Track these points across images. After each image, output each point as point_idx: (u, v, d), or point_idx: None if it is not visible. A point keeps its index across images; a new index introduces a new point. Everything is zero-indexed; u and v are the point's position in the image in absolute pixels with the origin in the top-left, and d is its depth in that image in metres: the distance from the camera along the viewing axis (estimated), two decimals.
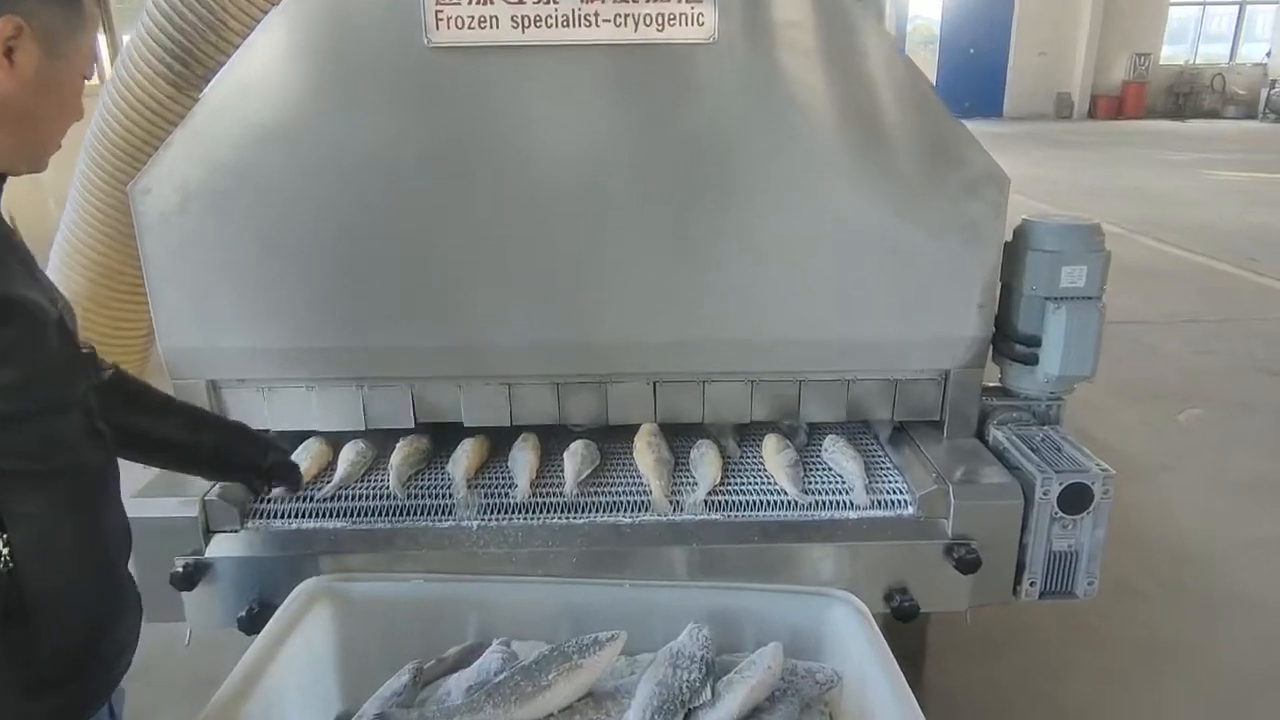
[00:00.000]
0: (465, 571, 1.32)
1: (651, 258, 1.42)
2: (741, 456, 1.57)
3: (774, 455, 1.52)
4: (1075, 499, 1.35)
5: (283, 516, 1.39)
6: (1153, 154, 10.91)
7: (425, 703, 1.13)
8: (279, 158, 1.35)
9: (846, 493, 1.44)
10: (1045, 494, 1.35)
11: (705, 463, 1.49)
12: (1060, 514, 1.35)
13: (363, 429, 1.53)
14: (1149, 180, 8.87)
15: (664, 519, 1.39)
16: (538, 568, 1.33)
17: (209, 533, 1.34)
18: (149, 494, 1.35)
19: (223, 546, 1.34)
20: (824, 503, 1.42)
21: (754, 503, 1.43)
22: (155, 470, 1.36)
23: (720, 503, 1.43)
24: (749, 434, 1.66)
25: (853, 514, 1.41)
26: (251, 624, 1.29)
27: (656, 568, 1.35)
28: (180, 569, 1.30)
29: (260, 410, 1.49)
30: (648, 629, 1.28)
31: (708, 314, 1.45)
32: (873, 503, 1.42)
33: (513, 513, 1.40)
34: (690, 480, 1.48)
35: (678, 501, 1.42)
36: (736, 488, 1.46)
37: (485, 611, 1.29)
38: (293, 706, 1.13)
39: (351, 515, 1.40)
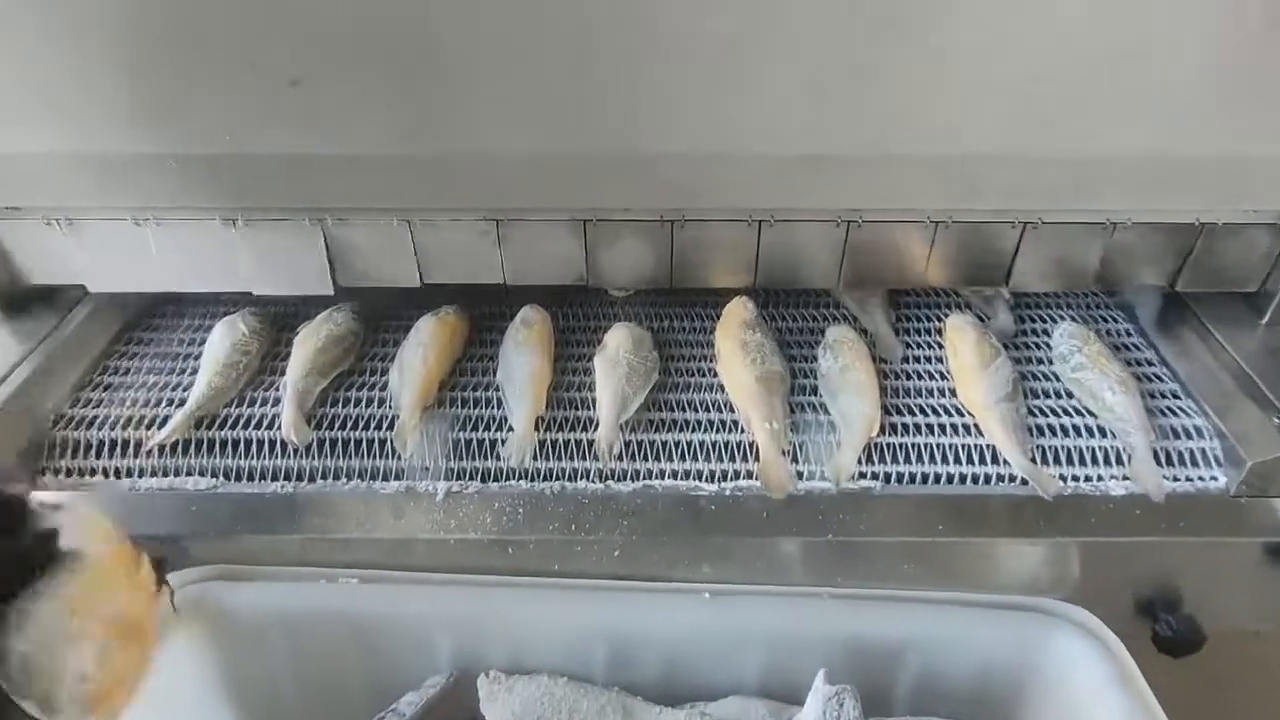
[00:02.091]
0: (428, 566, 0.82)
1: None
2: (905, 360, 0.96)
3: (976, 373, 0.89)
4: None
5: (106, 471, 0.84)
6: None
7: None
8: None
9: (1110, 457, 0.84)
10: None
11: (849, 388, 0.88)
12: None
13: (237, 297, 0.95)
14: None
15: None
16: (553, 562, 0.82)
17: None
18: None
19: None
20: (1073, 476, 0.83)
21: (930, 451, 0.84)
22: None
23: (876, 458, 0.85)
24: (910, 311, 1.04)
25: (1116, 488, 0.84)
26: None
27: (755, 572, 0.83)
28: None
29: (65, 258, 0.90)
30: (738, 666, 0.83)
31: (862, 108, 0.78)
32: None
33: (508, 474, 0.84)
34: (814, 409, 0.89)
35: (799, 466, 0.84)
36: (901, 421, 0.87)
37: (464, 631, 0.82)
38: None
39: (229, 467, 0.84)
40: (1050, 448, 0.84)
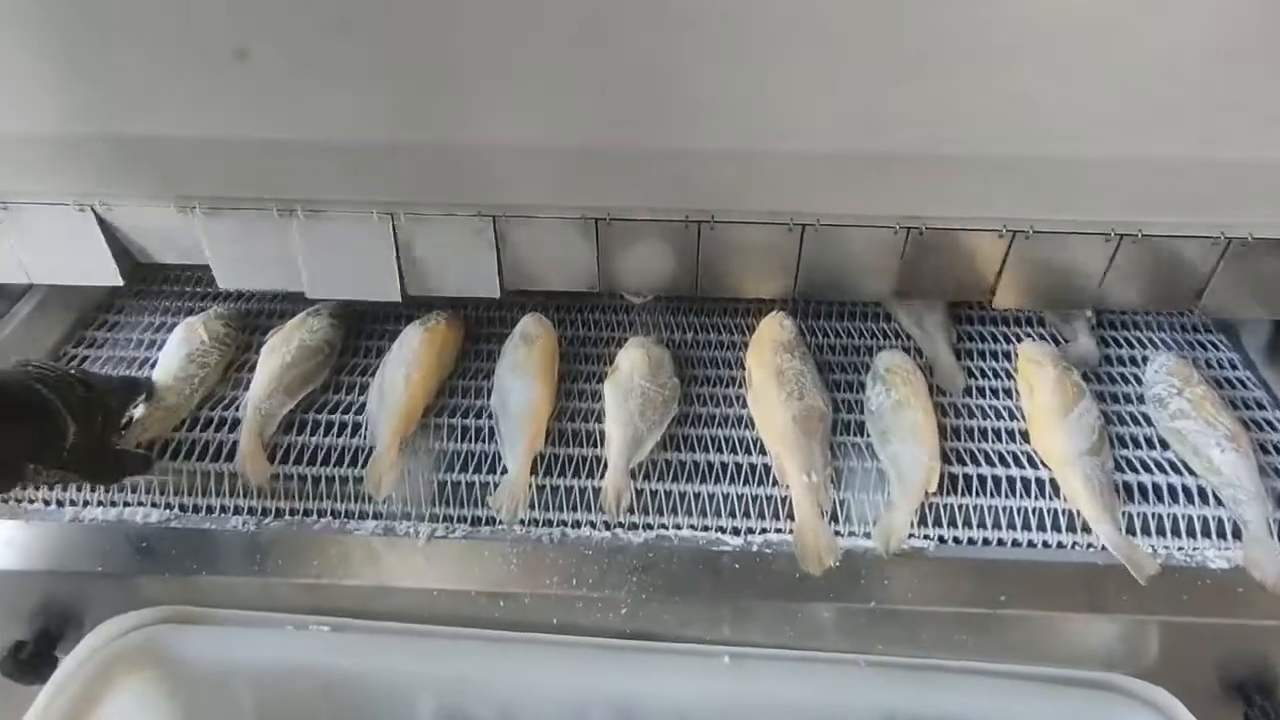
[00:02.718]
0: (409, 616, 0.73)
1: None
2: (968, 393, 0.83)
3: (1055, 418, 0.76)
4: None
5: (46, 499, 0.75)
6: None
7: None
8: None
9: (1211, 528, 0.71)
10: None
11: (902, 431, 0.76)
12: None
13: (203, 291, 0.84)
14: None
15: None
16: (550, 618, 0.73)
17: None
18: None
19: None
20: (1165, 550, 0.71)
21: (996, 514, 0.73)
22: None
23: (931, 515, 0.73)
24: (972, 329, 0.91)
25: (1216, 559, 0.72)
26: (19, 670, 0.74)
27: (784, 633, 0.73)
28: None
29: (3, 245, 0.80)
30: None
31: (927, 100, 0.64)
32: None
33: (499, 520, 0.73)
34: (859, 452, 0.77)
35: (840, 525, 0.73)
36: (964, 472, 0.75)
37: (448, 691, 0.74)
38: None
39: (183, 501, 0.75)
40: (1141, 515, 0.73)
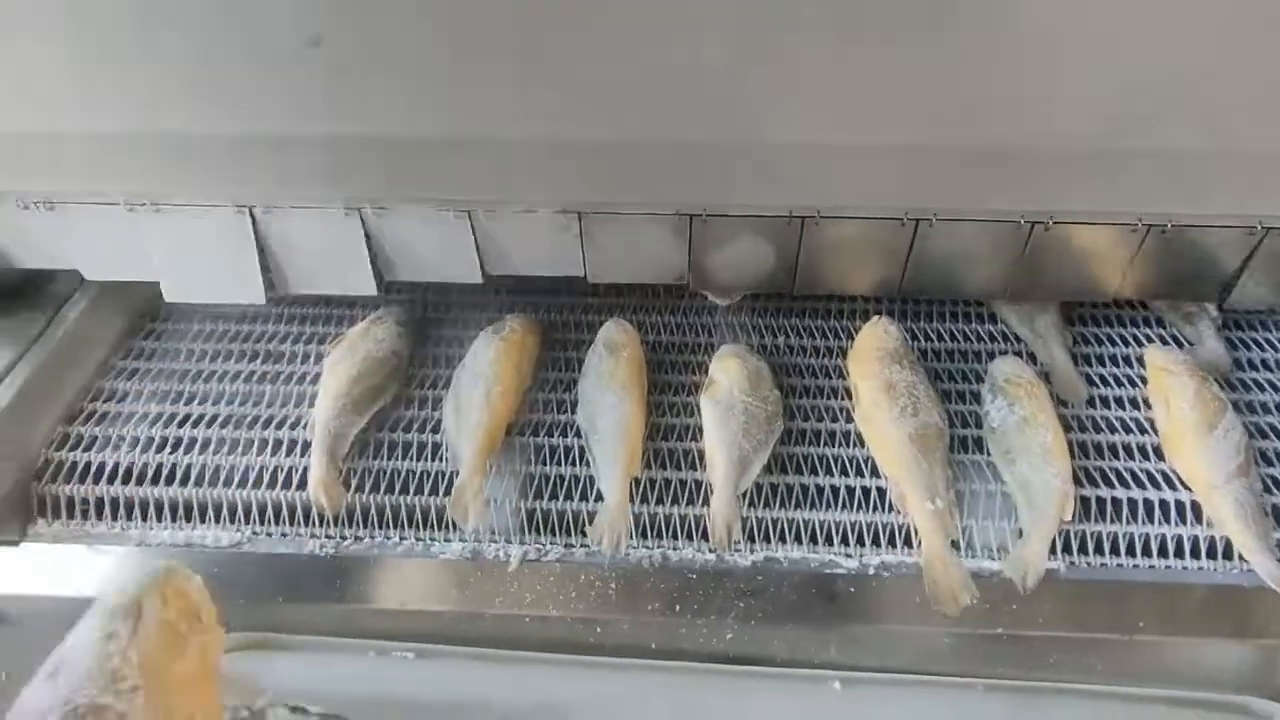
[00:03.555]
0: (499, 642, 0.69)
1: None
2: (1090, 403, 0.78)
3: (1198, 436, 0.71)
4: None
5: (103, 513, 0.72)
6: None
7: None
8: None
9: None
10: None
11: (1036, 454, 0.71)
12: None
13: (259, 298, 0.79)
14: None
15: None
16: (650, 643, 0.69)
17: None
18: None
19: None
20: None
21: (1132, 542, 0.68)
22: None
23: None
24: (1085, 330, 0.87)
25: None
26: None
27: (900, 658, 0.70)
28: None
29: (53, 242, 0.77)
30: None
31: (1052, 92, 0.61)
32: None
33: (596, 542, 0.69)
34: (977, 470, 0.73)
35: (964, 554, 0.69)
36: (1096, 495, 0.71)
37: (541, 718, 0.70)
38: None
39: (254, 526, 0.72)
40: None
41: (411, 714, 0.72)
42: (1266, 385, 0.80)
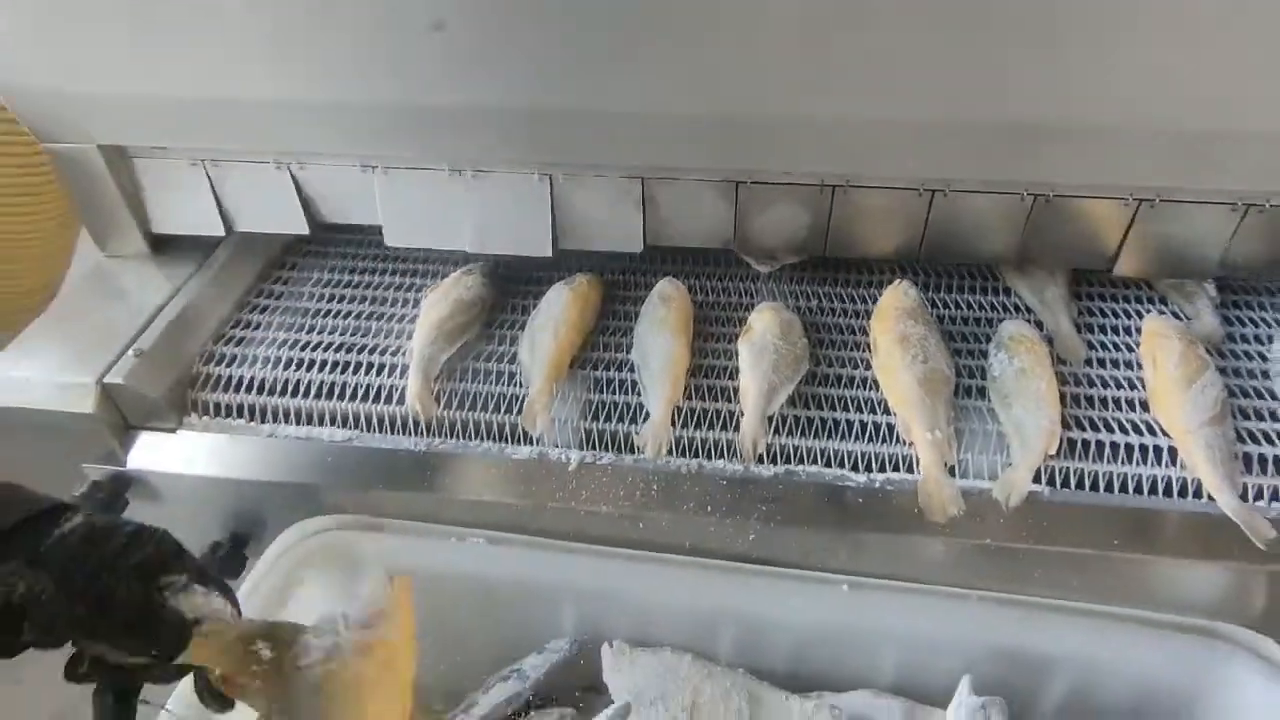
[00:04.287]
0: (556, 533, 0.84)
1: None
2: (1089, 364, 0.90)
3: (1178, 389, 0.82)
4: None
5: (241, 413, 0.90)
6: None
7: None
8: None
9: None
10: None
11: (1026, 396, 0.82)
12: None
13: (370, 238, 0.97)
14: None
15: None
16: (684, 540, 0.82)
17: (128, 429, 0.90)
18: (23, 354, 0.90)
19: (152, 453, 0.88)
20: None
21: (1111, 480, 0.79)
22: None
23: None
24: (1093, 305, 0.98)
25: None
26: (221, 567, 0.88)
27: (898, 568, 0.81)
28: (91, 484, 0.87)
29: (206, 198, 0.96)
30: (871, 660, 0.86)
31: (1055, 70, 0.73)
32: None
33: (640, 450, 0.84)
34: (980, 415, 0.85)
35: (961, 480, 0.81)
36: (1081, 414, 0.83)
37: (590, 600, 0.88)
38: None
39: (366, 417, 0.88)
40: (1257, 486, 0.78)
41: (482, 590, 0.86)
42: (1255, 355, 0.90)
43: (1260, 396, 0.85)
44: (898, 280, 0.96)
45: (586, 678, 0.87)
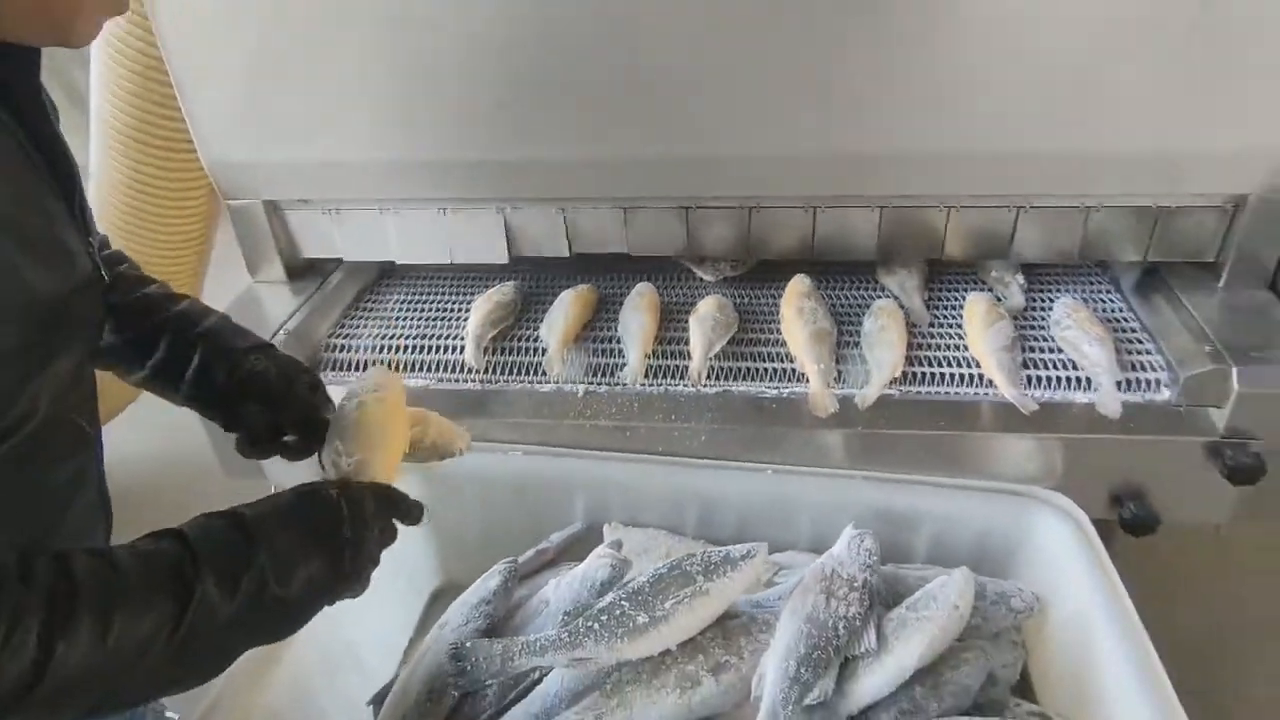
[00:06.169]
0: (570, 443, 1.24)
1: (809, 44, 1.15)
2: (932, 325, 1.35)
3: (982, 330, 1.27)
4: None
5: (346, 366, 1.36)
6: None
7: (520, 604, 1.09)
8: None
9: (1084, 388, 1.20)
10: None
11: (882, 343, 1.27)
12: None
13: (446, 262, 1.44)
14: None
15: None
16: (658, 444, 1.23)
17: None
18: None
19: None
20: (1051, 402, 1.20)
21: (943, 375, 1.24)
22: None
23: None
24: (943, 278, 1.43)
25: (1081, 399, 1.19)
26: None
27: (806, 455, 1.22)
28: None
29: (330, 236, 1.43)
30: (793, 527, 1.19)
31: (891, 116, 1.19)
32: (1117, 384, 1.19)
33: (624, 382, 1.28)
34: (855, 360, 1.28)
35: (839, 393, 1.23)
36: (923, 355, 1.27)
37: (594, 492, 1.24)
38: (384, 574, 1.12)
39: (435, 368, 1.34)
40: (1035, 378, 1.22)
41: (518, 488, 1.25)
42: (1042, 319, 1.35)
43: (1041, 341, 1.30)
44: (799, 275, 1.42)
45: (594, 547, 1.25)
